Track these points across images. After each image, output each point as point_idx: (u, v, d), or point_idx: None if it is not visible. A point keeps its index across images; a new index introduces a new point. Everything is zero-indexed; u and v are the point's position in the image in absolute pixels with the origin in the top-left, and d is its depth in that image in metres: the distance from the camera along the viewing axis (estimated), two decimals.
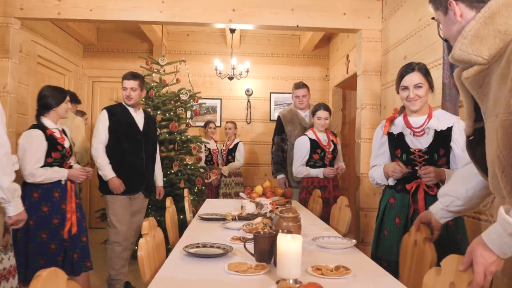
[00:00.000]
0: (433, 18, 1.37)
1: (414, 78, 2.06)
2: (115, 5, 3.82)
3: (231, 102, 6.14)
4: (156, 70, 4.66)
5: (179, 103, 4.60)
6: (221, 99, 6.12)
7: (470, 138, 1.31)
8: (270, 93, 6.16)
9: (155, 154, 3.44)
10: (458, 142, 2.02)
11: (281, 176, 4.03)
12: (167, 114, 4.46)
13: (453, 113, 2.42)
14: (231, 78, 5.45)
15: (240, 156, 5.30)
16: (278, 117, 4.12)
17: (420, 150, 2.06)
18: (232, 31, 5.36)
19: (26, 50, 4.42)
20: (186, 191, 3.17)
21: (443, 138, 2.04)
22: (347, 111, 6.13)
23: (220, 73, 5.45)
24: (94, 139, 3.16)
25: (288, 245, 1.25)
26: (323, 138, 3.55)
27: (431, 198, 1.96)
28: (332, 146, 3.58)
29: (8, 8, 3.81)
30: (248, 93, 6.12)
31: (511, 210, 1.01)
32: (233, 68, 5.39)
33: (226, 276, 1.37)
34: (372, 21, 3.98)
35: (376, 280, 1.36)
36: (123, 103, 3.29)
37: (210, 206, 3.07)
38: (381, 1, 3.97)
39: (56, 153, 2.78)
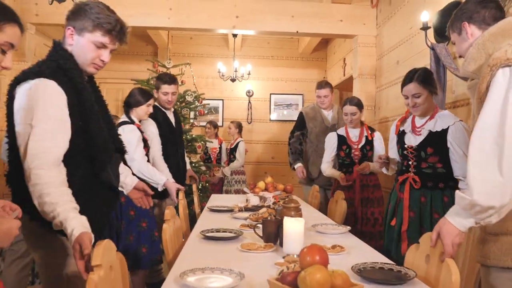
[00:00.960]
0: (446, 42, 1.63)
1: (411, 88, 2.24)
2: (126, 11, 4.03)
3: (233, 103, 6.38)
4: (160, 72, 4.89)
5: (184, 104, 4.84)
6: (223, 100, 6.36)
7: None
8: (270, 94, 6.41)
9: (183, 147, 3.54)
10: (453, 146, 2.16)
11: (298, 165, 3.86)
12: None
13: None
14: (233, 80, 5.69)
15: (240, 155, 5.38)
16: (300, 113, 3.99)
17: (411, 147, 2.30)
18: (235, 35, 5.59)
19: (39, 53, 4.64)
20: (194, 186, 3.40)
21: (435, 138, 2.23)
22: None
23: (223, 75, 5.69)
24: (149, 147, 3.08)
25: (292, 225, 1.50)
26: (353, 134, 3.31)
27: (414, 190, 2.22)
28: (363, 143, 3.29)
29: (25, 14, 4.03)
30: (249, 94, 6.37)
31: (462, 198, 1.25)
32: (236, 71, 5.62)
33: (240, 253, 1.61)
34: (368, 27, 4.24)
35: (366, 256, 1.61)
36: (158, 105, 3.19)
37: (217, 200, 3.31)
38: (376, 9, 4.22)
39: (145, 148, 2.83)
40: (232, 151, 5.45)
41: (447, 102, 2.75)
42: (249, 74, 5.79)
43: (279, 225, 1.69)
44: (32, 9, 4.04)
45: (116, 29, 1.53)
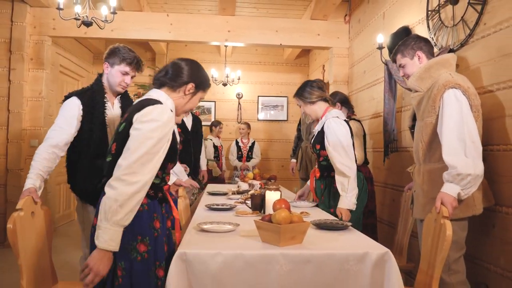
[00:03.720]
0: (394, 61, 2.32)
1: (296, 101, 2.74)
2: (132, 26, 4.67)
3: (224, 104, 7.03)
4: None
5: None
6: (215, 101, 7.00)
7: (411, 129, 2.34)
8: (258, 96, 7.08)
9: (201, 147, 4.21)
10: (328, 138, 2.52)
11: (292, 161, 4.70)
12: None
13: (391, 118, 3.37)
14: (225, 85, 6.33)
15: (257, 153, 6.24)
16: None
17: (312, 144, 2.82)
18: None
19: (52, 61, 5.22)
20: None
21: (319, 136, 2.64)
22: None
23: (215, 80, 6.33)
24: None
25: (271, 195, 2.16)
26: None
27: (316, 180, 2.76)
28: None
29: (43, 28, 4.63)
30: (239, 96, 7.02)
31: (449, 173, 1.91)
32: (227, 76, 6.27)
33: (235, 217, 2.26)
34: (341, 40, 4.93)
35: (321, 215, 2.27)
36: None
37: (213, 188, 3.96)
38: (348, 24, 4.91)
39: None
40: (250, 149, 6.15)
41: (397, 107, 3.44)
42: (239, 79, 6.44)
43: (263, 198, 2.36)
44: (50, 23, 4.63)
45: (134, 62, 2.30)
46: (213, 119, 6.91)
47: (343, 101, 3.56)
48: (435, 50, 2.85)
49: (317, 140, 2.66)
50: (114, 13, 3.33)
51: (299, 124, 4.62)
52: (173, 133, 1.63)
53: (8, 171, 4.51)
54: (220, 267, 1.48)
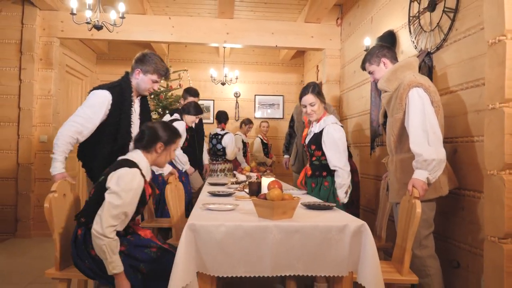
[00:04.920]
0: (364, 69, 2.62)
1: (308, 98, 2.90)
2: (136, 28, 4.95)
3: (222, 103, 7.31)
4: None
5: None
6: (213, 100, 7.28)
7: (383, 125, 2.60)
8: (255, 95, 7.36)
9: (203, 143, 4.57)
10: (325, 143, 2.81)
11: (285, 157, 5.01)
12: None
13: (376, 114, 3.66)
14: (223, 84, 6.61)
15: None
16: (295, 107, 4.81)
17: (305, 145, 3.10)
18: None
19: (59, 61, 5.49)
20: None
21: (316, 137, 2.89)
22: None
23: (214, 80, 6.61)
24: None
25: (267, 181, 2.45)
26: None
27: (307, 178, 3.04)
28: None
29: (52, 30, 4.90)
30: (237, 95, 7.31)
31: (417, 161, 2.19)
32: (225, 76, 6.55)
33: (234, 201, 2.55)
34: (333, 42, 5.22)
35: (310, 200, 2.57)
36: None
37: (213, 179, 4.25)
38: (340, 27, 5.21)
39: None
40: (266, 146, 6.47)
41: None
42: (237, 78, 6.72)
43: (259, 185, 2.64)
44: (58, 26, 4.90)
45: (164, 73, 2.61)
46: (212, 117, 7.19)
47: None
48: (415, 52, 3.16)
49: (313, 141, 2.93)
50: (122, 17, 3.60)
51: (291, 121, 4.90)
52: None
53: (19, 165, 4.77)
54: (223, 236, 1.77)
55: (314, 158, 2.96)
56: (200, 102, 6.64)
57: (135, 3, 4.73)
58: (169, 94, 5.79)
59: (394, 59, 2.57)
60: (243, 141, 6.15)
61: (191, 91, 4.44)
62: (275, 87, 7.43)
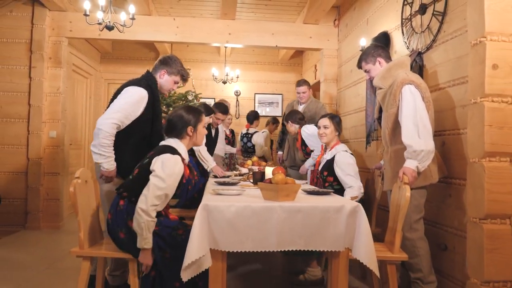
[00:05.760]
0: (360, 68, 2.84)
1: (324, 120, 3.24)
2: (142, 28, 5.15)
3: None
4: None
5: (185, 102, 5.95)
6: (214, 98, 7.48)
7: (378, 119, 2.81)
8: (255, 93, 7.58)
9: (213, 149, 4.69)
10: (336, 169, 3.02)
11: (279, 153, 5.26)
12: None
13: (371, 111, 3.89)
14: (225, 82, 6.83)
15: None
16: (287, 106, 5.07)
17: (316, 171, 3.30)
18: None
19: (67, 59, 5.68)
20: None
21: (328, 164, 3.10)
22: None
23: (215, 78, 6.82)
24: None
25: (269, 170, 2.66)
26: None
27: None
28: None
29: (61, 30, 5.10)
30: (237, 93, 7.53)
31: (407, 151, 2.42)
32: (227, 75, 6.77)
33: (240, 189, 2.76)
34: (331, 42, 5.44)
35: (310, 188, 2.79)
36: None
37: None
38: (337, 28, 5.43)
39: None
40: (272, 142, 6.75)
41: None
42: (237, 77, 6.93)
43: (263, 174, 2.86)
44: (67, 26, 5.10)
45: (185, 76, 2.84)
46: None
47: (301, 119, 4.12)
48: (407, 52, 3.39)
49: (326, 168, 3.12)
50: (133, 18, 3.81)
51: (284, 119, 5.13)
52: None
53: (29, 160, 4.96)
54: (233, 215, 1.98)
55: (327, 184, 3.13)
56: (201, 101, 6.87)
57: (141, 4, 4.93)
58: (173, 92, 5.99)
59: (388, 58, 2.80)
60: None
61: (221, 107, 4.56)
62: (274, 86, 7.65)
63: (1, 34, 4.98)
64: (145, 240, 2.08)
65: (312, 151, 4.01)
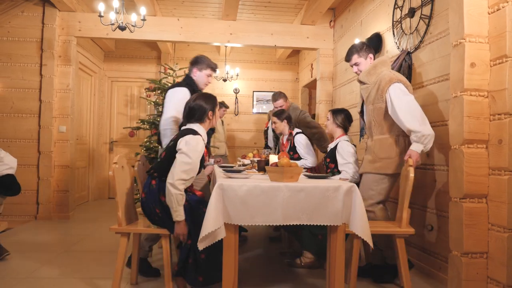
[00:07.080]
0: (348, 60, 3.12)
1: (328, 114, 3.53)
2: (149, 28, 5.41)
3: (222, 98, 7.75)
4: (169, 74, 6.27)
5: None
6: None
7: (360, 112, 3.10)
8: (253, 91, 7.87)
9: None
10: (339, 152, 3.30)
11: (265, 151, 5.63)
12: None
13: None
14: (225, 80, 7.10)
15: None
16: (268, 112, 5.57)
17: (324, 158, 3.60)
18: None
19: (75, 58, 5.93)
20: None
21: (331, 152, 3.36)
22: (312, 106, 7.92)
23: (216, 77, 7.09)
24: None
25: (273, 157, 2.95)
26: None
27: None
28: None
29: (70, 29, 5.35)
30: (236, 91, 7.81)
31: (416, 135, 2.70)
32: (227, 73, 7.04)
33: (246, 176, 3.05)
34: (327, 42, 5.74)
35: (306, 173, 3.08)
36: None
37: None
38: (333, 29, 5.73)
39: None
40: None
41: None
42: (237, 75, 7.22)
43: (267, 161, 3.15)
44: (76, 25, 5.35)
45: (214, 67, 3.17)
46: None
47: (288, 119, 4.21)
48: (398, 52, 3.69)
49: (329, 155, 3.41)
50: (144, 19, 4.08)
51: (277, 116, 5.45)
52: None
53: (40, 153, 5.21)
54: (244, 193, 2.27)
55: (328, 170, 3.39)
56: None
57: (147, 5, 5.19)
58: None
59: (374, 57, 3.09)
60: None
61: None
62: (271, 84, 7.94)
63: (13, 34, 5.22)
64: (177, 213, 2.37)
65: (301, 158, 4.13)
